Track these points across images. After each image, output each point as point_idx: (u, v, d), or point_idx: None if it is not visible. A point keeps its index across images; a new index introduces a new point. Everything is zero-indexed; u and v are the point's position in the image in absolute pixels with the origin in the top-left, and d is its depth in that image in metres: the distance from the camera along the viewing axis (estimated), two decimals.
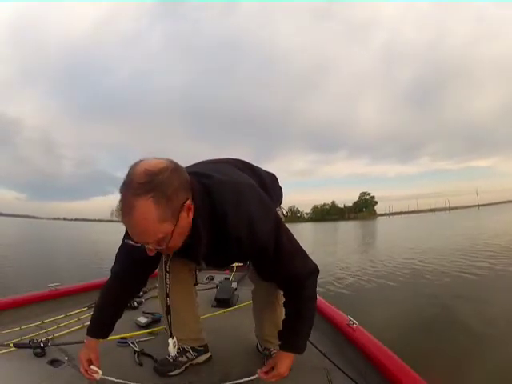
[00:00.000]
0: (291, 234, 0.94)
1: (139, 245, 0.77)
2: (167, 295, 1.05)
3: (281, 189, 1.21)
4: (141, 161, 0.73)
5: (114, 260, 1.05)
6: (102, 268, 6.76)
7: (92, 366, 0.99)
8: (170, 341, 1.04)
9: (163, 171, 0.70)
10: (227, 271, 2.71)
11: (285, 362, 0.96)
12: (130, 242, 0.77)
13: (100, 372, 0.99)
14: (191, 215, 0.78)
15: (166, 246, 0.76)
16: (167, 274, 1.03)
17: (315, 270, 0.96)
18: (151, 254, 0.78)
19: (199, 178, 0.84)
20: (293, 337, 0.97)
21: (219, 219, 0.82)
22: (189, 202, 0.76)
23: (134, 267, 1.00)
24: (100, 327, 1.05)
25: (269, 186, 1.07)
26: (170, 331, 1.06)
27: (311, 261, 0.97)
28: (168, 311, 1.05)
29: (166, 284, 1.04)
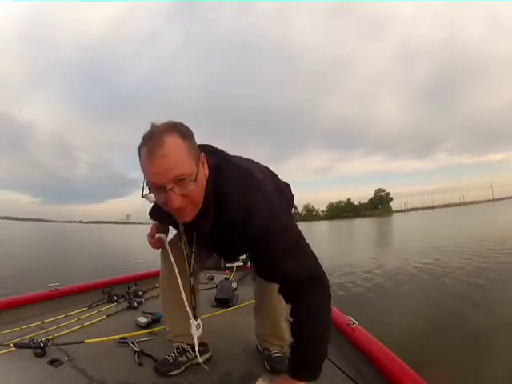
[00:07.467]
0: (299, 232, 0.90)
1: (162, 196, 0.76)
2: (190, 275, 1.04)
3: (293, 197, 1.21)
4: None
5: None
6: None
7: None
8: (193, 322, 1.03)
9: (178, 124, 0.78)
10: (227, 271, 2.71)
11: None
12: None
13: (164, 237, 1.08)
14: (207, 171, 0.82)
15: (187, 191, 0.75)
16: (193, 254, 1.02)
17: (318, 276, 0.86)
18: (176, 203, 0.75)
19: (216, 156, 0.87)
20: (296, 362, 0.86)
21: (221, 199, 0.82)
22: (203, 156, 0.81)
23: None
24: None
25: (284, 191, 1.10)
26: (195, 313, 1.05)
27: (315, 264, 0.88)
28: (193, 291, 1.05)
29: (191, 265, 1.03)
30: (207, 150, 0.87)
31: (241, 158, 1.02)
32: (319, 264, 0.89)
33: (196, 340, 1.04)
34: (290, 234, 0.89)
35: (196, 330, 1.04)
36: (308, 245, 0.92)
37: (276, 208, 0.87)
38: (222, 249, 1.06)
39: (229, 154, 0.94)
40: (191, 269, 1.04)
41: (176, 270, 1.02)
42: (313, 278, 0.86)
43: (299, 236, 0.91)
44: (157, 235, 1.07)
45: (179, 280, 1.03)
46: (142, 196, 0.79)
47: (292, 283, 0.87)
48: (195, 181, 0.76)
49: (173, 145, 0.73)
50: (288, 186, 1.19)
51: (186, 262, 1.03)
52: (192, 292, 1.05)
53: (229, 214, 0.82)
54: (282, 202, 1.05)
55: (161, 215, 0.99)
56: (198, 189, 0.78)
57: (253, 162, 1.06)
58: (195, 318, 1.05)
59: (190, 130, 0.80)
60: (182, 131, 0.76)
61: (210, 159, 0.84)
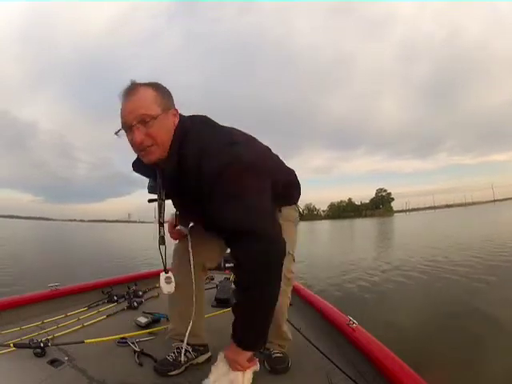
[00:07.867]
0: (261, 187, 0.83)
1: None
2: (161, 224, 1.01)
3: (299, 184, 1.19)
4: None
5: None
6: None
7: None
8: (162, 275, 1.03)
9: (157, 83, 0.87)
10: (227, 271, 2.71)
11: (227, 354, 0.92)
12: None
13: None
14: (176, 121, 0.88)
15: (150, 130, 0.82)
16: (163, 203, 1.01)
17: (260, 233, 0.75)
18: (138, 138, 0.82)
19: (195, 117, 0.93)
20: (235, 329, 0.90)
21: (184, 147, 0.85)
22: (175, 109, 0.89)
23: None
24: None
25: (291, 175, 1.13)
26: (164, 265, 1.04)
27: (261, 221, 0.77)
28: (163, 241, 1.02)
29: (161, 213, 1.01)
30: (192, 115, 0.94)
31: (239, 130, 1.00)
32: (270, 224, 0.79)
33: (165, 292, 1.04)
34: (246, 182, 0.80)
35: (166, 284, 1.02)
36: (267, 203, 0.83)
37: (237, 153, 0.83)
38: (181, 202, 1.04)
39: (210, 119, 0.95)
40: (162, 218, 1.02)
41: (192, 266, 1.04)
42: (253, 235, 0.75)
43: (259, 190, 0.83)
44: (178, 227, 1.09)
45: (193, 274, 1.04)
46: (115, 134, 0.87)
47: (228, 235, 0.82)
48: (156, 119, 0.82)
49: (143, 92, 0.83)
50: (293, 172, 1.18)
51: (158, 211, 1.03)
52: (162, 243, 1.02)
53: (182, 160, 0.85)
54: (290, 188, 1.10)
55: (141, 167, 0.99)
56: (160, 130, 0.84)
57: (245, 133, 1.01)
58: (165, 270, 1.04)
59: (168, 90, 0.89)
60: (156, 86, 0.86)
61: (185, 117, 0.91)
